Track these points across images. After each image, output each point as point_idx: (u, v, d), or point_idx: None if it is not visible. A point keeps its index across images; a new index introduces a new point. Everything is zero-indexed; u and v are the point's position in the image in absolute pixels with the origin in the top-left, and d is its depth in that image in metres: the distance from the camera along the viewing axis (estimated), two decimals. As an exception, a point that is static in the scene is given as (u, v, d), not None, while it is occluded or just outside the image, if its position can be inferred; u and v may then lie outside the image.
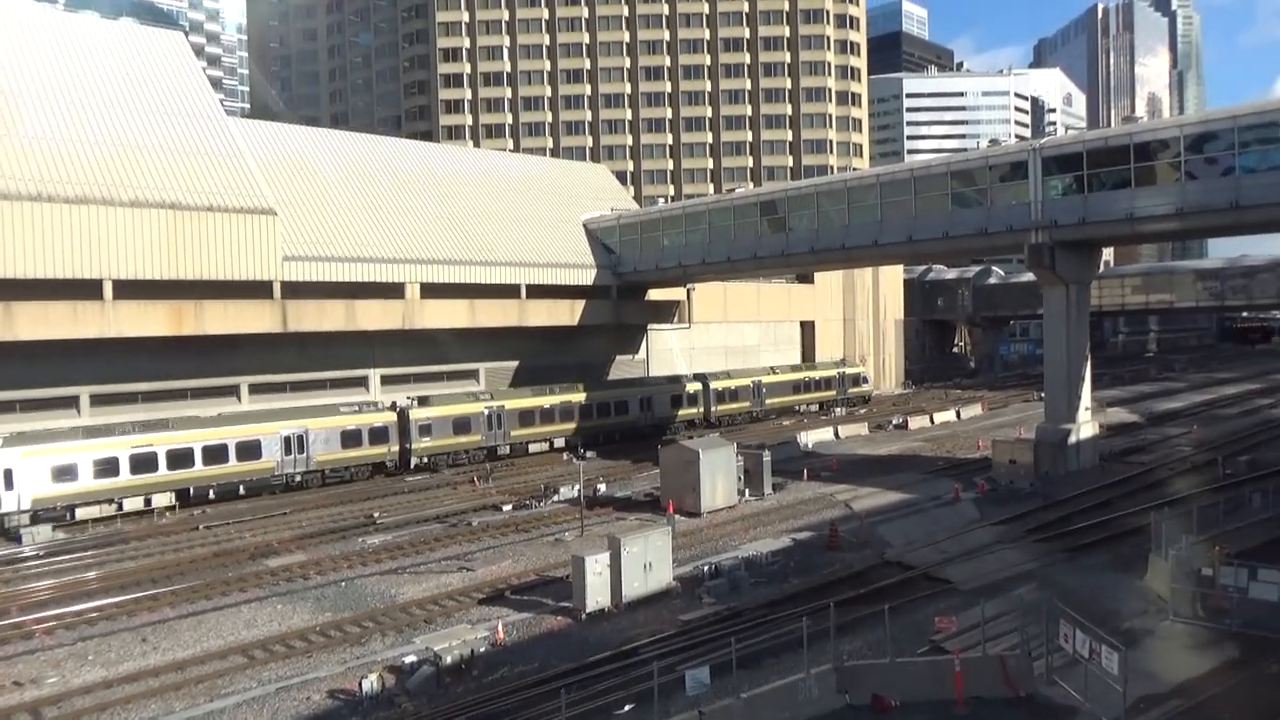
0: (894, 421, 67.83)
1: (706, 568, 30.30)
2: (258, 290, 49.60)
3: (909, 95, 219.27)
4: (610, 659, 23.16)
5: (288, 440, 47.07)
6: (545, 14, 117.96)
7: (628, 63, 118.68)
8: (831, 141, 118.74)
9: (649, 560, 28.14)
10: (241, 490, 45.91)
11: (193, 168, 48.58)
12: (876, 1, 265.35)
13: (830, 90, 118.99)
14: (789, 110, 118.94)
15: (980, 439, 56.74)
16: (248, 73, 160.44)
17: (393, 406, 52.98)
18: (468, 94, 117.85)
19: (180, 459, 43.47)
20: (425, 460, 53.14)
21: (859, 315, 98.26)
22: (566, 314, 63.49)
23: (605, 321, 66.84)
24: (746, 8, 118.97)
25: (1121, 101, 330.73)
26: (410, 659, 23.03)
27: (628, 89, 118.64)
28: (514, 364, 65.54)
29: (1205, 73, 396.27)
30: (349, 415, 50.25)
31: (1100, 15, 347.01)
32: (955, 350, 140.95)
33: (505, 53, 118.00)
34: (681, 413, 66.75)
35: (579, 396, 60.10)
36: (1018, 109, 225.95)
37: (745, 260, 58.47)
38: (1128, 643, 21.65)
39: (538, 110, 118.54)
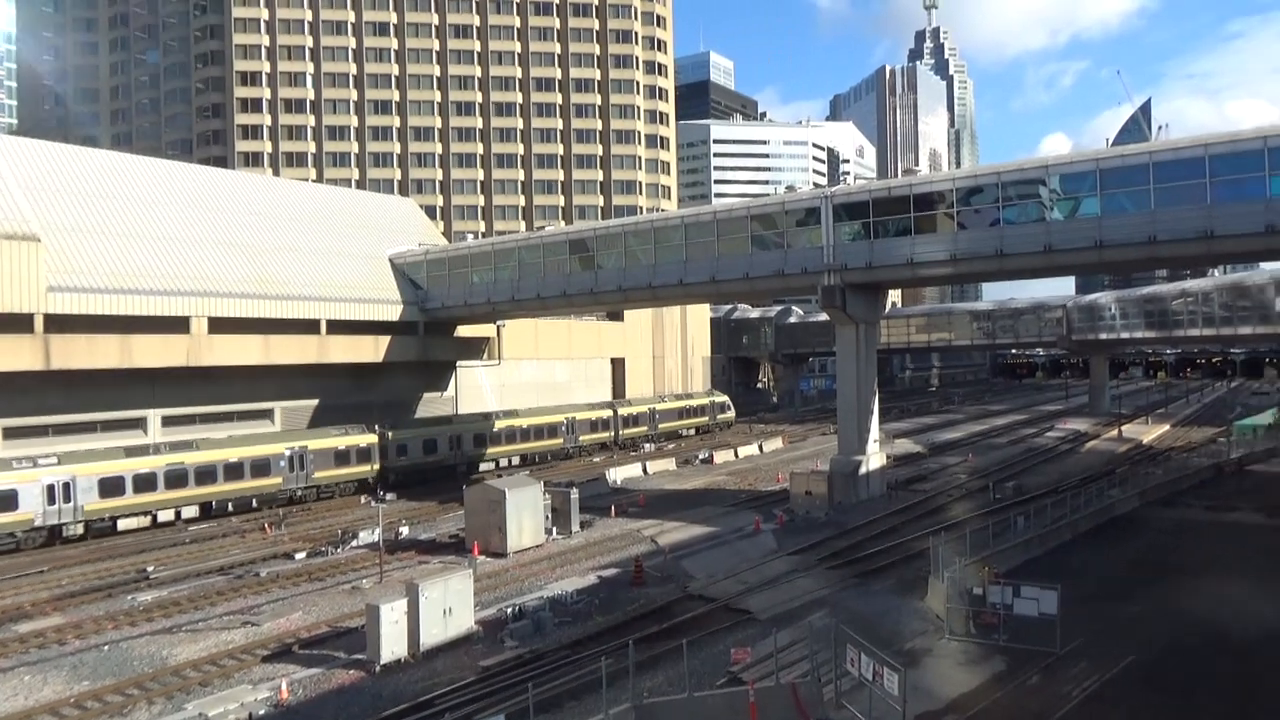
0: (700, 456, 69.48)
1: (510, 610, 29.59)
2: (16, 324, 44.90)
3: (716, 141, 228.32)
4: (404, 712, 22.05)
5: (290, 459, 52.01)
6: (351, 43, 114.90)
7: (438, 97, 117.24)
8: (641, 183, 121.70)
9: (449, 605, 27.17)
10: (254, 504, 50.57)
11: (-64, 186, 43.56)
12: (685, 50, 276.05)
13: (640, 133, 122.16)
14: (599, 151, 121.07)
15: (780, 472, 59.01)
16: (16, 86, 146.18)
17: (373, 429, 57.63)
18: (267, 120, 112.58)
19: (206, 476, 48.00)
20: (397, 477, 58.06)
21: (668, 352, 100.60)
22: (370, 350, 61.29)
23: (412, 358, 65.03)
24: (558, 49, 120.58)
25: (907, 155, 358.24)
26: (178, 727, 21.06)
27: (438, 123, 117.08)
28: (314, 402, 62.46)
29: (980, 133, 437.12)
30: (338, 437, 55.14)
31: (888, 76, 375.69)
32: (759, 386, 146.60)
33: (309, 79, 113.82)
34: (597, 436, 74.95)
35: (524, 421, 68.00)
36: (815, 158, 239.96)
37: (555, 298, 58.58)
38: (908, 662, 22.83)
39: (343, 140, 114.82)
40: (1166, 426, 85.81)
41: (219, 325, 53.47)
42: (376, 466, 56.48)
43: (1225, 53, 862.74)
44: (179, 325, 51.82)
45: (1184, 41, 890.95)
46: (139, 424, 53.31)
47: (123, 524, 45.17)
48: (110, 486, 44.22)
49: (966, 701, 21.95)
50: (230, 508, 49.31)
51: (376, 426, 57.88)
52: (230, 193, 64.79)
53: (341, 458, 54.58)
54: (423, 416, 65.33)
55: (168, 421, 54.34)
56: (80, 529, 43.74)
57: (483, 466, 63.71)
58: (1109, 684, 22.74)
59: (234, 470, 49.17)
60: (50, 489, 42.47)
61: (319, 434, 54.94)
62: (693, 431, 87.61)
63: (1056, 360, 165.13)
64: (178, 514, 47.28)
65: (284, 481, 51.64)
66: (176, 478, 46.73)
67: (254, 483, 50.21)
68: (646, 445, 79.05)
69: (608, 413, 77.00)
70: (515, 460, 66.50)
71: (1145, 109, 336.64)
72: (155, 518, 46.49)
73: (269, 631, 29.13)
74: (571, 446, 71.93)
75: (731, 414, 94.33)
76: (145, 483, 45.50)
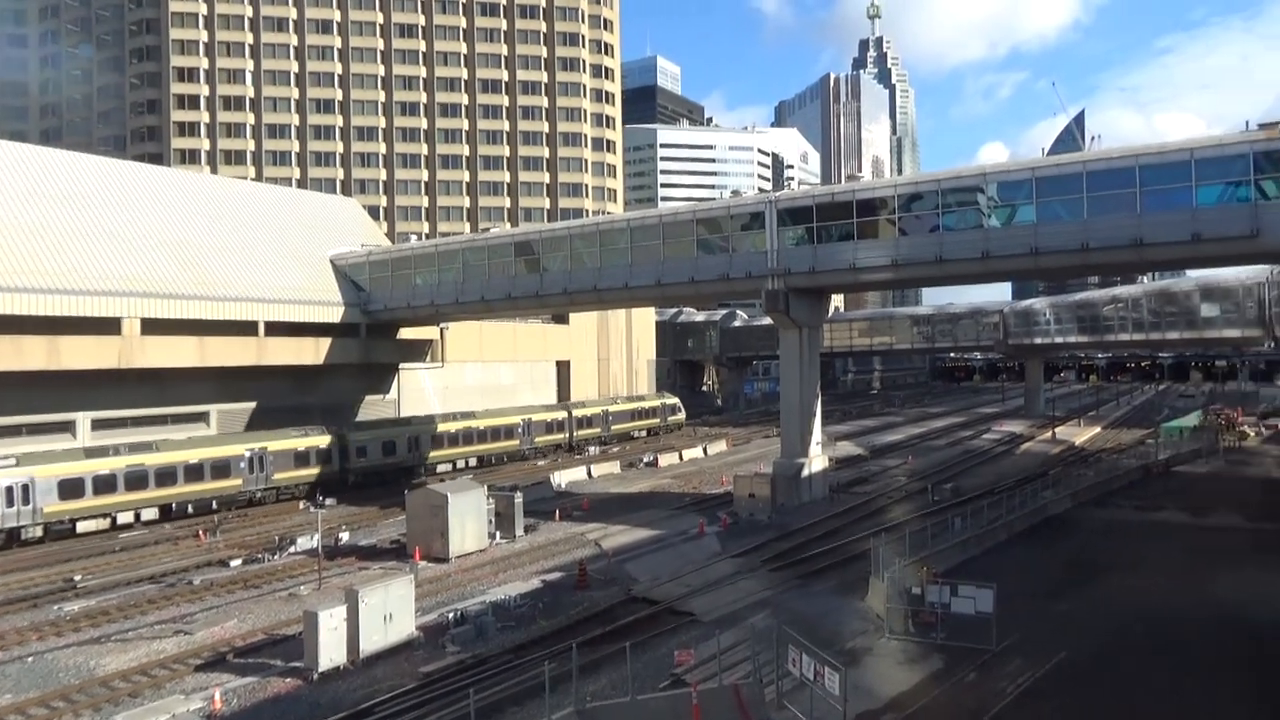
0: (645, 459, 69.53)
1: (452, 615, 29.25)
2: (-65, 325, 43.24)
3: (663, 145, 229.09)
4: (343, 721, 21.67)
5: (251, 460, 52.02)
6: (293, 40, 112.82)
7: (382, 96, 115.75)
8: (587, 186, 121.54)
9: (389, 611, 26.78)
10: (214, 505, 50.06)
11: None
12: (632, 55, 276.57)
13: (586, 136, 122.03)
14: (546, 153, 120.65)
15: (724, 474, 59.31)
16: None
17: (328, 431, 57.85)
18: (205, 117, 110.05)
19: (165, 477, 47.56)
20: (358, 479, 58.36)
21: (613, 355, 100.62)
22: (311, 353, 60.22)
23: (354, 361, 64.08)
24: (505, 51, 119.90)
25: (851, 162, 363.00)
26: (106, 740, 20.41)
27: (381, 123, 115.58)
28: (251, 405, 61.20)
29: (921, 140, 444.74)
30: (299, 438, 55.04)
31: (832, 84, 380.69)
32: (704, 389, 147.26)
33: (248, 76, 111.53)
34: (552, 437, 75.66)
35: (481, 422, 68.15)
36: (760, 164, 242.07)
37: (500, 300, 58.17)
38: (849, 662, 23.09)
39: (284, 139, 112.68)
40: (1098, 429, 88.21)
41: (152, 326, 52.09)
42: (336, 467, 56.39)
43: (1155, 67, 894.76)
44: (110, 326, 50.37)
45: (1117, 55, 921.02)
46: (67, 427, 51.68)
47: (82, 526, 44.54)
48: (70, 488, 43.58)
49: (906, 699, 22.26)
50: (190, 509, 48.87)
51: (337, 428, 57.94)
52: (165, 191, 63.17)
53: (301, 459, 54.31)
54: (381, 418, 65.11)
55: (98, 425, 52.78)
56: (39, 531, 43.04)
57: (440, 468, 63.85)
58: (1042, 680, 23.24)
59: (194, 472, 48.66)
60: (9, 491, 41.69)
61: (279, 435, 54.41)
62: (644, 433, 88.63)
63: (993, 364, 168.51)
64: (137, 516, 46.67)
65: (244, 483, 51.21)
66: (137, 479, 46.13)
67: (214, 484, 49.74)
68: (591, 449, 78.96)
69: (563, 414, 77.94)
70: (473, 461, 67.02)
71: (1079, 120, 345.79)
72: (115, 520, 45.77)
73: (202, 640, 28.40)
74: (528, 448, 72.54)
75: (681, 416, 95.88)
76: (105, 484, 44.93)
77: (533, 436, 73.13)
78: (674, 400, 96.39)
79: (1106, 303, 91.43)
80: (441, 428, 64.68)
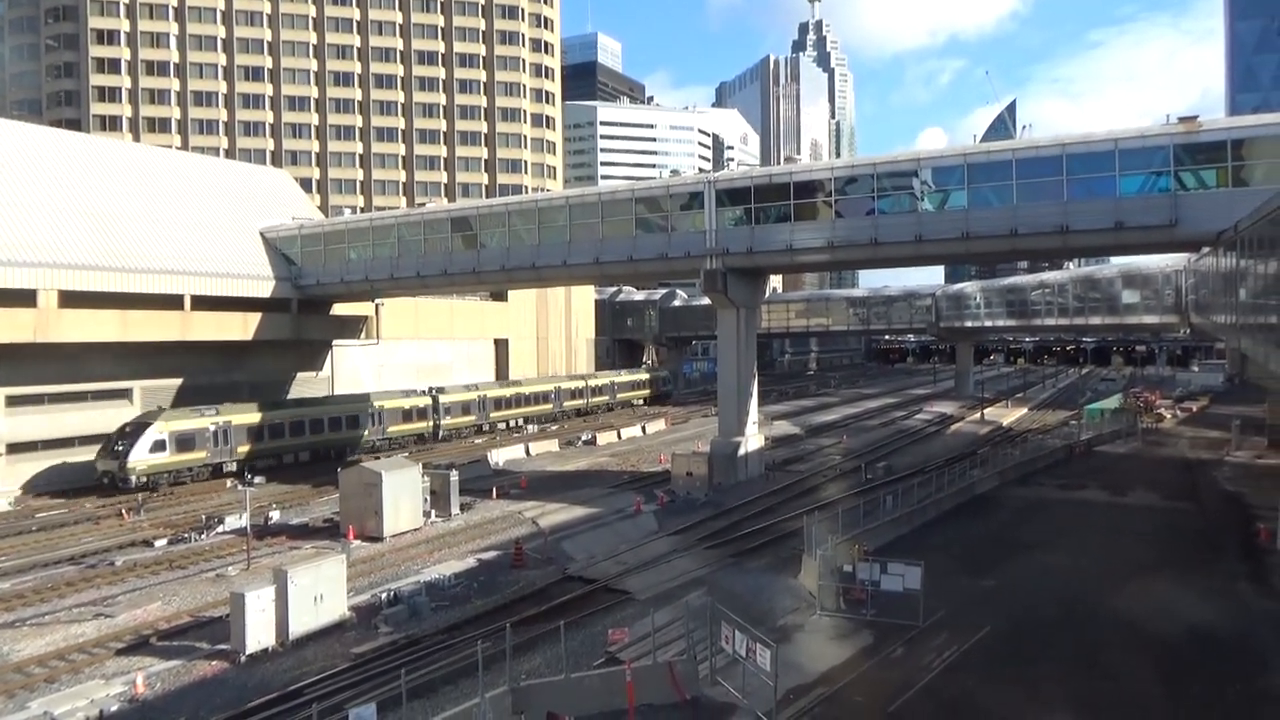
0: (583, 438, 69.49)
1: (385, 595, 28.92)
2: None
3: (603, 123, 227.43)
4: (271, 703, 21.28)
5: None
6: (220, 4, 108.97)
7: (315, 65, 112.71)
8: (526, 162, 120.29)
9: (320, 592, 26.34)
10: (346, 451, 60.36)
11: None
12: (573, 31, 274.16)
13: (525, 112, 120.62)
14: (484, 128, 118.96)
15: (662, 453, 59.59)
16: None
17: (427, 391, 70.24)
18: (126, 82, 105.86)
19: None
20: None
21: (552, 334, 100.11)
22: (239, 328, 58.62)
23: (285, 337, 62.58)
24: (442, 22, 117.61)
25: (790, 144, 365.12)
26: (21, 727, 19.76)
27: (314, 93, 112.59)
28: (177, 382, 59.43)
29: (860, 125, 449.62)
30: (409, 398, 67.60)
31: (772, 66, 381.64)
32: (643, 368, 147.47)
33: (172, 40, 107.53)
34: (575, 403, 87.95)
35: (526, 389, 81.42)
36: (701, 144, 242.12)
37: (436, 277, 57.33)
38: (781, 638, 23.42)
39: (211, 106, 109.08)
40: (1025, 410, 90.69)
41: (71, 299, 50.13)
42: (431, 424, 68.03)
43: (1086, 60, 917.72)
44: (25, 298, 48.30)
45: (1050, 47, 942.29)
46: (-21, 403, 49.66)
47: (259, 464, 53.41)
48: (253, 433, 53.51)
49: (835, 674, 22.65)
50: (331, 454, 58.61)
51: (429, 389, 70.02)
52: (84, 158, 60.60)
53: (408, 415, 66.04)
54: (458, 384, 75.96)
55: (12, 401, 50.71)
56: (234, 466, 52.33)
57: (499, 426, 76.56)
58: (966, 654, 23.84)
59: (335, 423, 59.97)
60: (215, 434, 51.32)
61: (392, 396, 66.33)
62: (641, 401, 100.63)
63: (926, 346, 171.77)
64: (296, 457, 57.29)
65: (368, 434, 62.15)
66: (297, 428, 57.04)
67: (348, 433, 60.83)
68: (530, 426, 78.63)
69: (581, 384, 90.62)
70: (519, 421, 79.28)
71: (1011, 109, 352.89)
72: (281, 459, 56.30)
73: (124, 623, 27.63)
74: (558, 410, 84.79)
75: (670, 387, 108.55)
76: (276, 431, 55.59)
77: (561, 401, 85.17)
78: (665, 374, 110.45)
79: (1034, 288, 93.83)
80: (501, 393, 77.49)
